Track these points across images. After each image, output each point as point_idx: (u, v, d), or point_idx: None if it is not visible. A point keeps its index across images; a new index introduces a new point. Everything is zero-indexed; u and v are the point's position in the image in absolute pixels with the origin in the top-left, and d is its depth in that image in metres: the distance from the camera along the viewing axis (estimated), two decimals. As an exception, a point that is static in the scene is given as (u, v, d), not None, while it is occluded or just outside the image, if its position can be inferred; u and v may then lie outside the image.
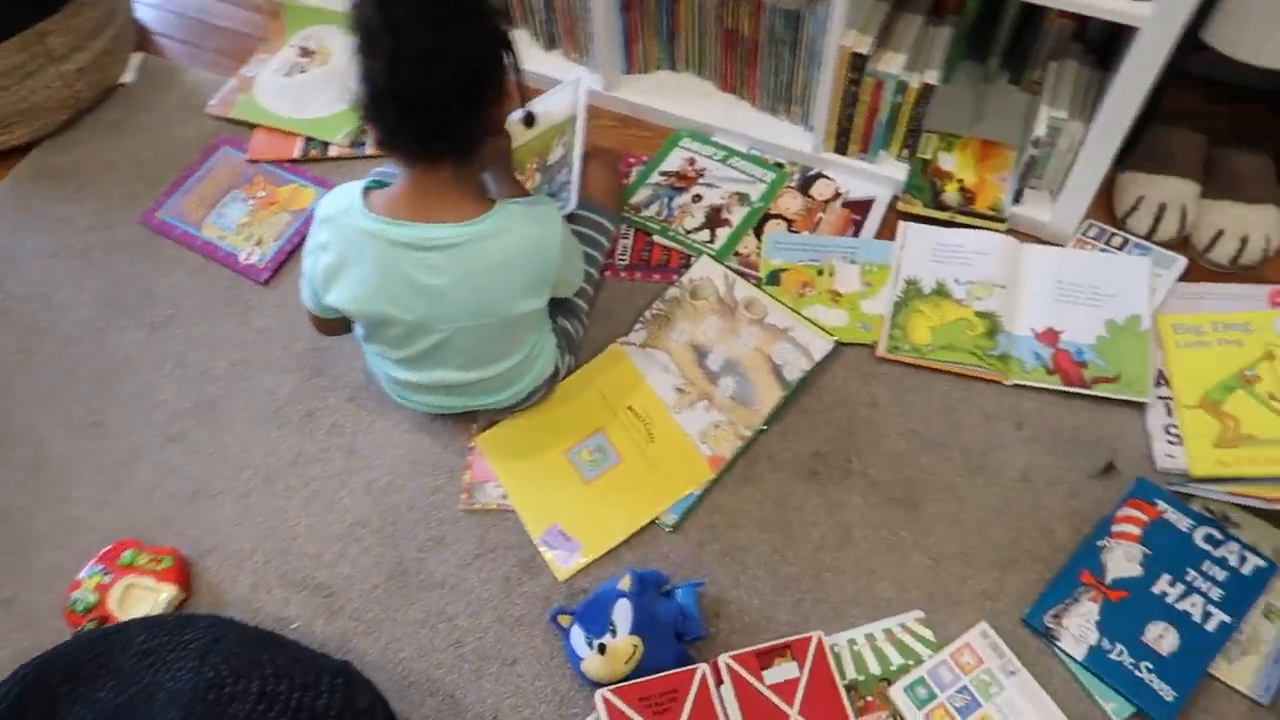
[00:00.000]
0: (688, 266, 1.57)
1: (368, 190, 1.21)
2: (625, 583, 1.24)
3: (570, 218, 1.45)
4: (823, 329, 1.47)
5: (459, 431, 1.46)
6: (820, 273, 1.54)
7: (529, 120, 1.33)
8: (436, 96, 1.09)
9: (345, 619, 1.33)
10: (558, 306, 1.40)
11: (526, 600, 1.32)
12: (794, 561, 1.32)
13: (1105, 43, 1.53)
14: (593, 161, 1.52)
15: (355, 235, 1.20)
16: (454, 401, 1.39)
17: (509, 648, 1.29)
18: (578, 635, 1.22)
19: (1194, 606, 1.23)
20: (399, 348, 1.30)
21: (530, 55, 1.81)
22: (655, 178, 1.68)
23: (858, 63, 1.46)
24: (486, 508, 1.39)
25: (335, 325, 1.37)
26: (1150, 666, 1.20)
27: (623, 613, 1.21)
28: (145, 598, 1.32)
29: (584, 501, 1.37)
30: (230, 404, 1.52)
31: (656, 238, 1.61)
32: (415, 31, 1.05)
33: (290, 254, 1.65)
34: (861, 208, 1.63)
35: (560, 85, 1.56)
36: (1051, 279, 1.51)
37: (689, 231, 1.61)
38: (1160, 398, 1.41)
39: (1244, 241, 1.50)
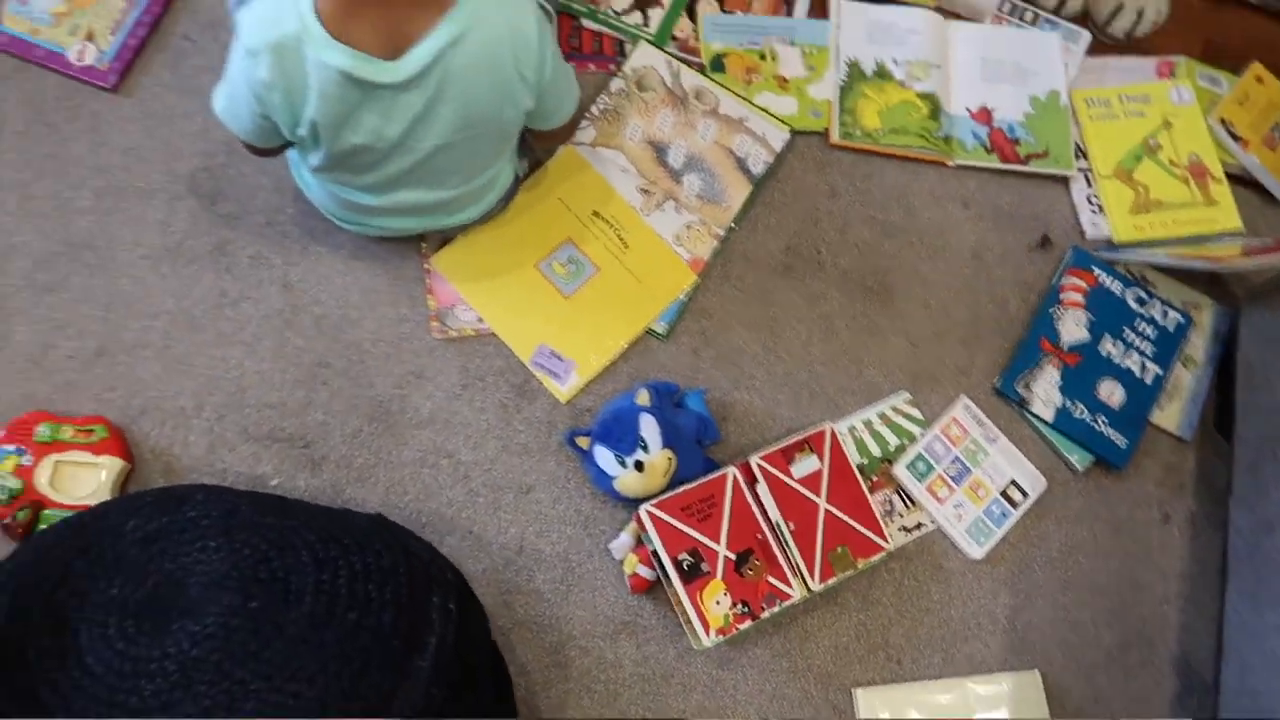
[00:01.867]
0: (622, 54, 1.54)
1: None
2: (644, 398, 1.30)
3: None
4: (777, 118, 1.53)
5: (407, 253, 1.40)
6: (763, 57, 1.58)
7: None
8: None
9: (332, 469, 1.30)
10: None
11: (530, 426, 1.35)
12: (785, 358, 1.44)
13: None
14: None
15: (317, 72, 1.03)
16: (411, 224, 1.32)
17: (521, 476, 1.33)
18: (605, 455, 1.28)
19: (1134, 363, 1.48)
20: (366, 173, 1.19)
21: None
22: (567, -51, 1.60)
23: None
24: (463, 334, 1.37)
25: (278, 149, 1.22)
26: (1105, 420, 1.44)
27: (650, 428, 1.28)
28: (83, 475, 1.22)
29: (568, 317, 1.39)
30: (112, 241, 1.35)
31: (585, 21, 1.56)
32: None
33: (138, 49, 1.44)
34: (786, -18, 1.66)
35: None
36: (977, 57, 1.64)
37: (619, 13, 1.57)
38: (1080, 170, 1.61)
39: (1139, 15, 1.69)
